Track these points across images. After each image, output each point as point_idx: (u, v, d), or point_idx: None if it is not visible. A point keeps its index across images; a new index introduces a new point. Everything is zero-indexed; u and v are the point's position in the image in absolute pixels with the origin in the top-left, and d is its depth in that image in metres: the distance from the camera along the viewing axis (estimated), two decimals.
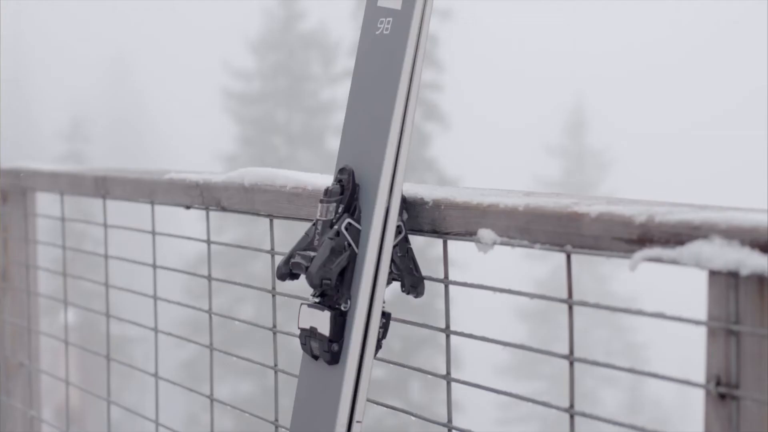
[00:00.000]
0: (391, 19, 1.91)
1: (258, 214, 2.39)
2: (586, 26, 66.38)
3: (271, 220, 2.39)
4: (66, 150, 35.82)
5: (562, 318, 33.90)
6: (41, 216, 3.58)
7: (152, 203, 2.80)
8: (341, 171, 1.94)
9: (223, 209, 2.51)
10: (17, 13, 60.00)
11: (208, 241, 2.67)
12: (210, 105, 36.50)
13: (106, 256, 3.10)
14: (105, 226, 3.09)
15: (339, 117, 31.27)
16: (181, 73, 60.92)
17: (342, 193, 1.91)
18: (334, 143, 31.65)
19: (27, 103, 58.16)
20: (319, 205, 1.94)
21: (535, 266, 34.84)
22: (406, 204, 1.96)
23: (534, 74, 63.39)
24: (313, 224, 1.96)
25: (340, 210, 1.90)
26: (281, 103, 32.09)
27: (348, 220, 1.89)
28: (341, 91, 31.13)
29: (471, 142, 51.09)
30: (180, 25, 64.16)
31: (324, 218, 1.92)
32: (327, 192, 1.93)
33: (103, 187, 3.01)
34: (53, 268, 3.52)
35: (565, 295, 1.72)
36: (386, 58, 1.90)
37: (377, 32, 1.93)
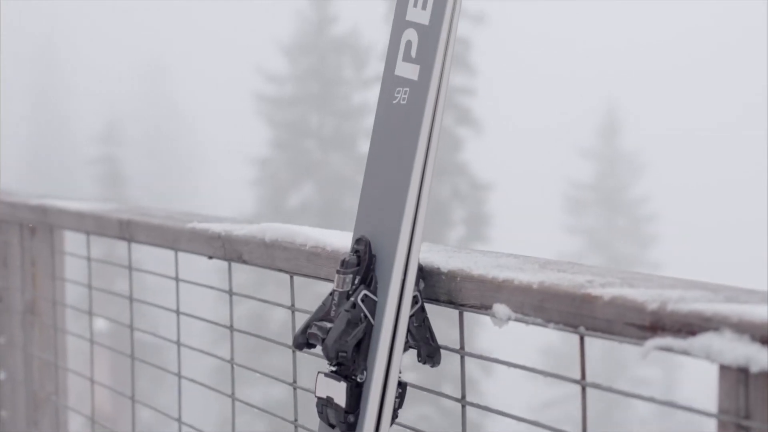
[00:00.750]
0: (408, 89, 1.92)
1: (279, 270, 2.41)
2: (618, 27, 66.16)
3: (291, 278, 2.41)
4: (100, 153, 36.02)
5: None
6: (68, 254, 3.61)
7: (175, 251, 2.82)
8: (358, 242, 1.95)
9: (245, 262, 2.52)
10: (55, 17, 60.39)
11: (230, 293, 2.68)
12: (243, 109, 36.57)
13: (131, 299, 3.13)
14: (130, 269, 3.12)
15: (370, 121, 31.22)
16: (215, 77, 61.14)
17: (358, 264, 1.92)
18: (365, 147, 31.57)
19: (64, 106, 58.54)
20: (336, 275, 1.95)
21: None
22: (423, 273, 1.97)
23: (566, 76, 63.26)
24: (330, 294, 1.97)
25: (356, 281, 1.91)
26: (313, 106, 32.15)
27: (364, 291, 1.90)
28: (373, 95, 31.14)
29: (503, 146, 51.00)
30: (214, 29, 64.37)
31: (341, 289, 1.93)
32: (344, 263, 1.94)
33: (128, 231, 3.03)
34: (81, 307, 3.54)
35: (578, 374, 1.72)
36: (403, 127, 1.91)
37: (394, 101, 1.94)
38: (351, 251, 1.96)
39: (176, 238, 2.78)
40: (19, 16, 60.91)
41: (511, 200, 42.80)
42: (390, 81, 1.96)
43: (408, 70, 1.92)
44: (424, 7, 1.92)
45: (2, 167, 54.50)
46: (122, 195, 34.67)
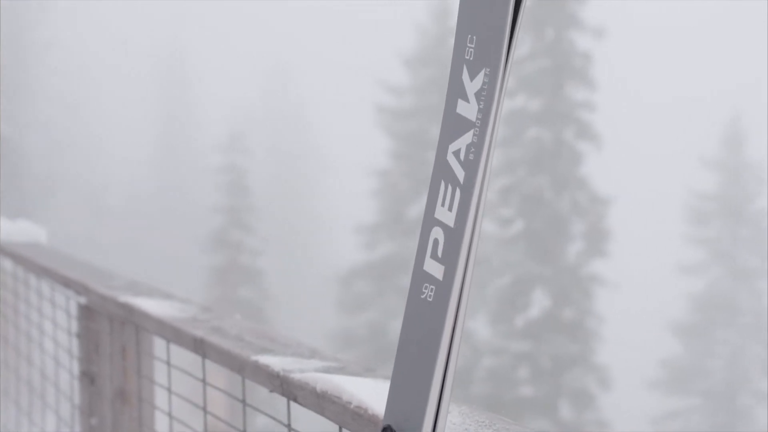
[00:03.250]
0: (434, 287, 2.01)
1: (329, 419, 2.52)
2: (742, 36, 65.04)
3: (340, 428, 2.51)
4: (224, 162, 36.55)
5: (719, 332, 33.40)
6: (154, 357, 3.75)
7: (242, 378, 2.94)
8: (384, 430, 2.05)
9: (299, 404, 2.64)
10: (181, 26, 61.35)
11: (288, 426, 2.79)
12: (364, 120, 36.85)
13: (205, 411, 3.26)
14: (204, 383, 3.24)
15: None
16: (337, 88, 61.59)
17: None
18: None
19: (189, 114, 59.45)
20: None
21: (690, 281, 34.35)
22: None
23: (689, 87, 62.39)
24: None
25: None
26: (434, 118, 32.28)
27: None
28: None
29: (623, 159, 50.55)
30: (337, 41, 64.86)
31: None
32: None
33: (201, 348, 3.16)
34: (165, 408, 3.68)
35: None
36: (428, 324, 2.01)
37: (422, 296, 2.04)
38: None
39: (242, 367, 2.91)
40: (148, 22, 62.09)
41: (632, 214, 42.43)
42: (419, 275, 2.05)
43: (434, 268, 2.02)
44: (450, 209, 2.01)
45: (131, 173, 55.64)
46: (245, 204, 35.16)
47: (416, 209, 31.46)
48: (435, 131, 32.13)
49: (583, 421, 27.60)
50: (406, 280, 30.73)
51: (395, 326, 30.64)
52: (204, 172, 43.70)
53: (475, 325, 30.23)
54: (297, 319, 40.32)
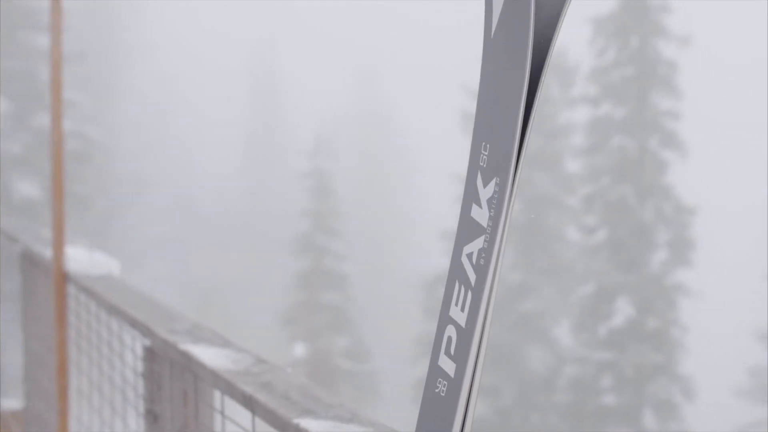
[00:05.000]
0: (446, 383, 2.13)
1: None
2: None
3: None
4: (311, 166, 36.82)
5: None
6: (211, 405, 3.88)
7: None
8: None
9: None
10: (271, 33, 61.80)
11: None
12: (448, 125, 36.93)
13: None
14: None
15: (577, 140, 31.22)
16: (423, 93, 61.66)
17: None
18: (571, 166, 31.61)
19: (278, 119, 59.87)
20: None
21: None
22: None
23: None
24: None
25: None
26: None
27: None
28: (579, 115, 31.08)
29: (708, 168, 50.03)
30: (421, 45, 64.94)
31: None
32: None
33: (250, 404, 3.31)
34: None
35: None
36: (440, 417, 2.13)
37: (436, 390, 2.16)
38: None
39: (284, 428, 3.04)
40: (240, 28, 62.64)
41: (717, 223, 42.02)
42: (434, 370, 2.18)
43: (447, 365, 2.14)
44: (462, 309, 2.12)
45: (220, 176, 56.17)
46: (331, 208, 35.40)
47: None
48: None
49: (668, 431, 27.46)
50: None
51: None
52: (291, 177, 44.05)
53: (558, 333, 30.18)
54: (381, 325, 40.52)
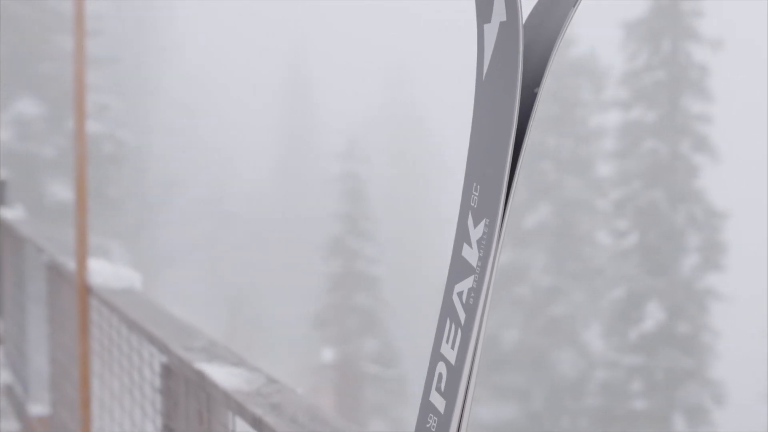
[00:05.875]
0: (436, 418, 2.18)
1: None
2: None
3: None
4: (342, 170, 36.88)
5: None
6: (225, 425, 3.94)
7: None
8: None
9: None
10: (304, 36, 61.91)
11: None
12: None
13: None
14: None
15: (608, 144, 31.17)
16: (455, 95, 61.62)
17: None
18: (604, 169, 31.56)
19: (311, 122, 59.98)
20: None
21: None
22: None
23: None
24: None
25: None
26: (551, 128, 32.20)
27: None
28: (612, 118, 31.02)
29: (740, 173, 49.76)
30: (451, 47, 64.91)
31: None
32: None
33: (259, 426, 3.36)
34: None
35: None
36: None
37: (427, 425, 2.20)
38: None
39: None
40: (273, 31, 62.81)
41: (748, 227, 41.82)
42: (425, 406, 2.22)
43: (438, 401, 2.18)
44: (453, 347, 2.17)
45: (252, 178, 56.33)
46: (363, 211, 35.44)
47: (532, 220, 31.43)
48: (551, 142, 32.09)
49: None
50: (519, 291, 30.76)
51: (509, 336, 30.67)
52: (323, 180, 44.14)
53: (589, 337, 30.14)
54: (411, 327, 40.52)
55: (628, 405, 27.63)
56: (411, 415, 33.63)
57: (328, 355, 32.64)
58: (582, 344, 29.92)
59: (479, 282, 2.13)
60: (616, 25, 29.26)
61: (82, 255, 5.60)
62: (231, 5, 62.40)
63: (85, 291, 5.62)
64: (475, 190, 2.19)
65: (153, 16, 51.25)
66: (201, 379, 3.96)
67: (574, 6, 2.16)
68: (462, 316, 2.16)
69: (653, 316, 27.67)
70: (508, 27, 2.13)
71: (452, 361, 2.16)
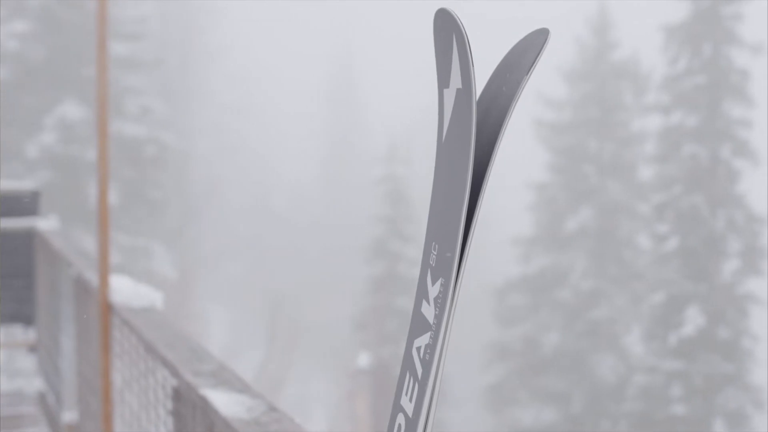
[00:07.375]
0: None
1: None
2: None
3: None
4: (384, 172, 36.95)
5: None
6: None
7: None
8: None
9: None
10: (349, 41, 62.02)
11: None
12: (523, 133, 36.94)
13: None
14: None
15: (649, 147, 31.08)
16: None
17: None
18: (645, 173, 31.48)
19: (355, 125, 60.05)
20: None
21: None
22: None
23: None
24: None
25: None
26: (593, 132, 32.18)
27: None
28: (653, 122, 30.94)
29: None
30: (495, 52, 64.79)
31: None
32: None
33: None
34: None
35: None
36: None
37: None
38: None
39: None
40: (318, 34, 62.95)
41: None
42: None
43: None
44: (411, 400, 2.26)
45: (296, 180, 56.51)
46: (404, 214, 35.48)
47: (573, 223, 31.40)
48: (593, 145, 32.05)
49: None
50: (561, 294, 30.73)
51: (549, 340, 30.66)
52: (366, 183, 44.22)
53: (629, 341, 30.08)
54: (452, 331, 40.46)
55: (667, 410, 27.54)
56: (447, 418, 33.66)
57: (364, 359, 32.72)
58: (622, 348, 29.88)
59: (434, 339, 2.20)
60: (657, 29, 29.19)
61: (104, 272, 5.71)
62: (277, 9, 62.62)
63: (107, 309, 5.75)
64: (434, 249, 2.27)
65: (199, 19, 51.51)
66: (205, 404, 4.07)
67: (527, 74, 2.24)
68: (419, 370, 2.24)
69: (693, 320, 27.55)
70: (463, 94, 2.20)
71: (410, 413, 2.24)
